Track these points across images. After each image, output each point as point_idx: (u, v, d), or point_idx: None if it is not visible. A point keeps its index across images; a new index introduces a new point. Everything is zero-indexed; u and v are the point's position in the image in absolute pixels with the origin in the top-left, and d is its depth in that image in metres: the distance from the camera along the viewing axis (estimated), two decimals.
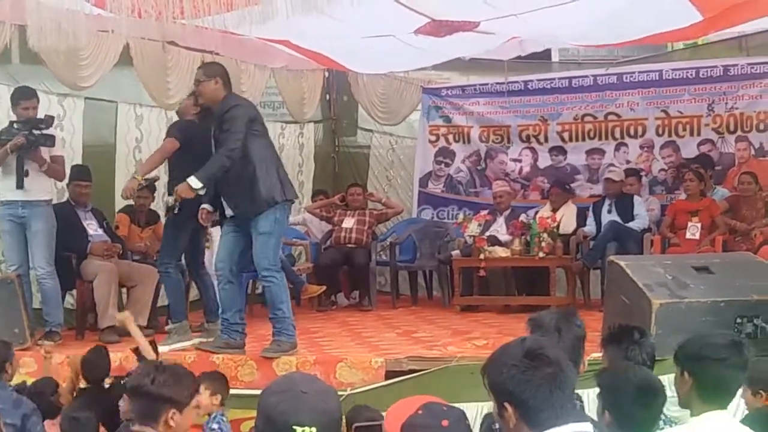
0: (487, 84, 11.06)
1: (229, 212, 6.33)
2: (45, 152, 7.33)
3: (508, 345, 2.42)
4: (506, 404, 2.31)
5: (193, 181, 6.10)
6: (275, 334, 6.31)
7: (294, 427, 2.23)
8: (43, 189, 7.38)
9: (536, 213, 9.53)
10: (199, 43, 9.18)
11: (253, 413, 2.40)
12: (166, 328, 6.96)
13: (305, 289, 8.92)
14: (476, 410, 5.30)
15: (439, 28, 7.49)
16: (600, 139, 10.56)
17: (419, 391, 5.40)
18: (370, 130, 11.86)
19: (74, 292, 8.08)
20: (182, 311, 7.22)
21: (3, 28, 7.74)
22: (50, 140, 7.29)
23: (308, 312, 8.92)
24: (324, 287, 8.86)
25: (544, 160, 10.79)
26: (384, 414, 3.60)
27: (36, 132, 7.21)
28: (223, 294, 6.39)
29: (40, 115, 7.40)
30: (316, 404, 2.29)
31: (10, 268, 7.33)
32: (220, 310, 6.58)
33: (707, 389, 3.26)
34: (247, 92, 9.49)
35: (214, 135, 6.25)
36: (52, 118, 7.44)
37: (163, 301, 8.30)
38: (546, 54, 11.90)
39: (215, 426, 5.20)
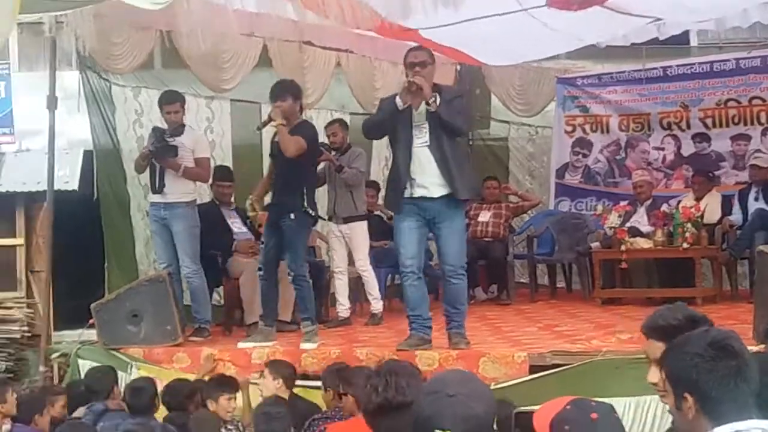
0: (624, 72, 10.88)
1: (416, 192, 6.16)
2: (188, 155, 7.56)
3: (691, 335, 2.36)
4: (687, 395, 2.24)
5: (438, 98, 5.99)
6: (455, 327, 6.30)
7: (435, 430, 2.27)
8: (183, 191, 7.58)
9: (679, 203, 9.27)
10: (334, 42, 9.35)
11: None
12: (307, 329, 7.05)
13: None
14: (624, 405, 5.22)
15: None
16: (745, 124, 10.21)
17: (564, 385, 5.36)
18: (507, 122, 11.79)
19: (221, 289, 8.34)
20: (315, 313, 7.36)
21: (149, 34, 8.06)
22: (172, 151, 7.47)
23: None
24: None
25: (688, 148, 10.51)
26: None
27: (168, 138, 7.46)
28: (413, 291, 6.29)
29: (190, 118, 7.69)
30: (460, 409, 2.30)
31: (161, 266, 7.64)
32: (408, 308, 6.44)
33: None
34: (381, 89, 9.61)
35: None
36: (182, 126, 7.62)
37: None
38: (684, 38, 11.56)
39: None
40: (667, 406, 2.39)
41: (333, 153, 8.08)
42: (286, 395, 5.66)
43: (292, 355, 6.49)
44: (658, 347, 2.92)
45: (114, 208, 8.60)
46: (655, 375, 2.94)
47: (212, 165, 8.20)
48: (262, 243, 7.15)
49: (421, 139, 6.14)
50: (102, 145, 8.65)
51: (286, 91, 7.01)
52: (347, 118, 9.45)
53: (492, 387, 5.41)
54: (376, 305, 8.29)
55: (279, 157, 6.98)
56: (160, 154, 7.46)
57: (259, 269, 7.15)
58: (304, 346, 6.75)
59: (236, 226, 8.30)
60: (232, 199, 8.52)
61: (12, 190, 10.24)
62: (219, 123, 9.42)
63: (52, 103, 7.85)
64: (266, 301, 7.15)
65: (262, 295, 7.20)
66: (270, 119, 6.97)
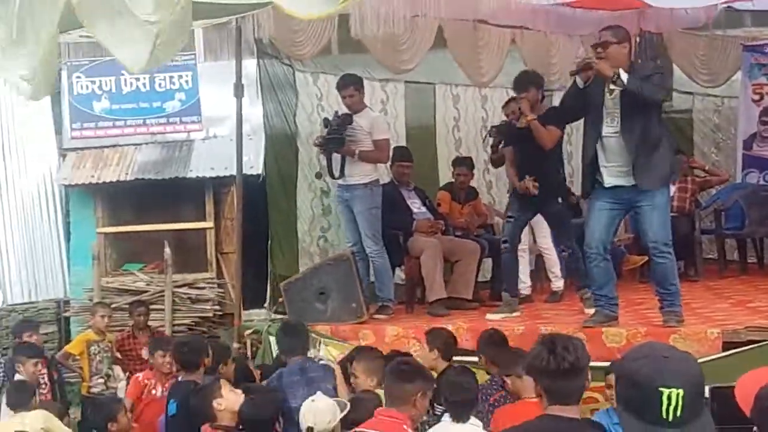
0: None
1: (610, 181, 6.08)
2: (365, 137, 7.66)
3: None
4: None
5: (623, 74, 5.80)
6: (666, 306, 6.15)
7: (660, 389, 2.25)
8: (361, 173, 7.71)
9: None
10: (508, 19, 9.23)
11: None
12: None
13: (626, 260, 8.78)
14: None
15: None
16: None
17: (761, 361, 5.12)
18: (690, 93, 11.37)
19: (402, 267, 8.43)
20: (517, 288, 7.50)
21: (326, 20, 8.19)
22: (338, 143, 7.61)
23: (631, 283, 8.74)
24: (645, 258, 8.59)
25: None
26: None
27: (337, 127, 7.60)
28: (598, 271, 6.23)
29: (367, 100, 7.85)
30: (680, 368, 2.30)
31: (347, 245, 7.83)
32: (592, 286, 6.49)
33: None
34: (558, 64, 9.44)
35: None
36: (349, 117, 7.68)
37: (482, 276, 8.53)
38: None
39: None
40: None
41: None
42: (442, 366, 5.53)
43: (474, 331, 6.52)
44: None
45: (279, 190, 8.76)
46: None
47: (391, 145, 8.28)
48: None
49: (612, 127, 6.02)
50: (275, 129, 8.83)
51: (529, 82, 7.16)
52: None
53: None
54: (557, 283, 8.25)
55: (527, 144, 7.03)
56: (327, 146, 7.67)
57: (504, 241, 7.29)
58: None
59: (415, 206, 8.36)
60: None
61: (201, 176, 10.71)
62: (393, 105, 9.51)
63: (239, 90, 8.12)
64: (510, 273, 7.36)
65: (505, 266, 7.37)
66: (522, 113, 7.02)
